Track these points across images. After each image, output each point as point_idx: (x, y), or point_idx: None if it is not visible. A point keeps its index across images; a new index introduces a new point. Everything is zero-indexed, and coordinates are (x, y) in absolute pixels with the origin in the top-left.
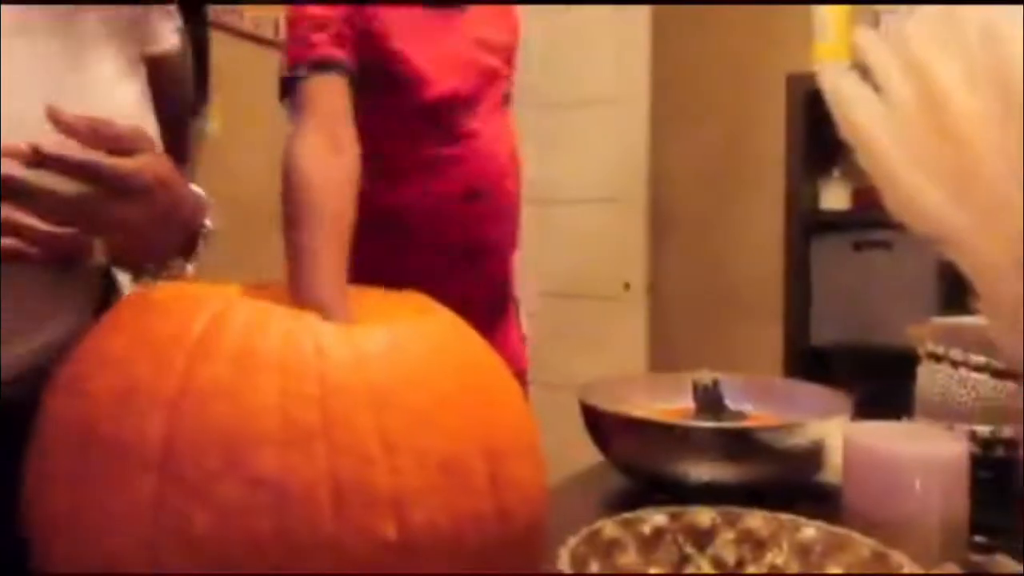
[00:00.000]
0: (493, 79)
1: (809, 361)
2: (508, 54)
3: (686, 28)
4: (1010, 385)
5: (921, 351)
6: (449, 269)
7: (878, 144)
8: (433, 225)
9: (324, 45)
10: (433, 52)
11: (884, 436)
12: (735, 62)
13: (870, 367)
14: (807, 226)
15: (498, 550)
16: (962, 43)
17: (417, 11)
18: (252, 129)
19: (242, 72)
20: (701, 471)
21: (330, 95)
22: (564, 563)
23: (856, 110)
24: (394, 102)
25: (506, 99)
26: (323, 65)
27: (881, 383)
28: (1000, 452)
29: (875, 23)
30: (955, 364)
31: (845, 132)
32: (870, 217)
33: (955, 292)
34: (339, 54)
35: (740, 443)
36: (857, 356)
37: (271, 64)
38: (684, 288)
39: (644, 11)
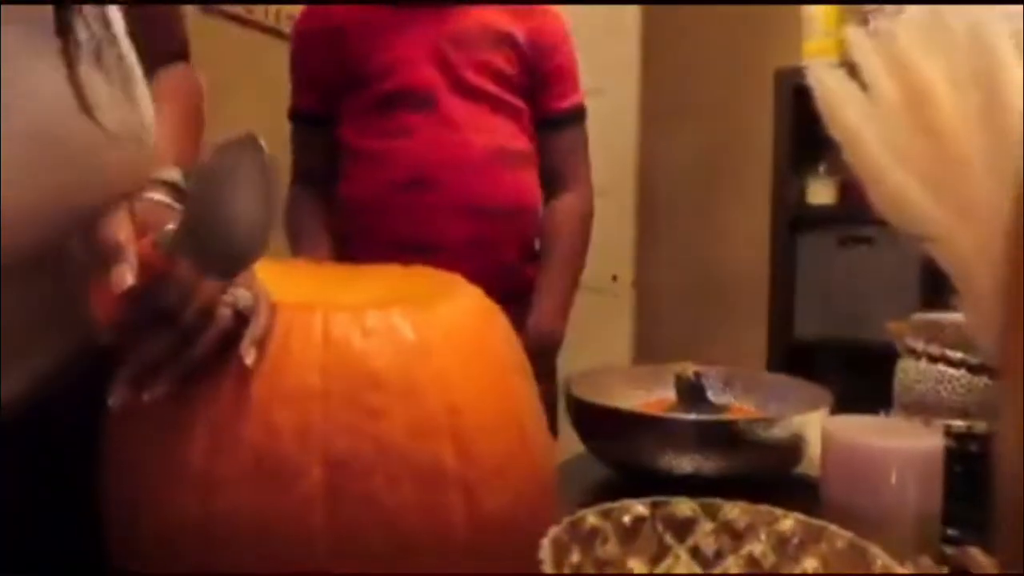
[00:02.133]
0: (468, 72)
1: (793, 355)
2: (510, 47)
3: (677, 23)
4: (986, 381)
5: (900, 347)
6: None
7: (863, 141)
8: (379, 217)
9: (298, 92)
10: (394, 46)
11: (862, 430)
12: (724, 58)
13: (853, 362)
14: (793, 221)
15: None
16: (948, 44)
17: (384, 11)
18: (227, 108)
19: (219, 48)
20: (682, 462)
21: (299, 145)
22: (546, 552)
23: (843, 107)
24: (354, 97)
25: (489, 95)
26: (296, 116)
27: (864, 378)
28: (974, 447)
29: (864, 21)
30: (933, 359)
31: (831, 128)
32: (855, 213)
33: (936, 289)
34: (309, 101)
35: (720, 435)
36: (840, 351)
37: (246, 39)
38: (670, 281)
39: (634, 6)
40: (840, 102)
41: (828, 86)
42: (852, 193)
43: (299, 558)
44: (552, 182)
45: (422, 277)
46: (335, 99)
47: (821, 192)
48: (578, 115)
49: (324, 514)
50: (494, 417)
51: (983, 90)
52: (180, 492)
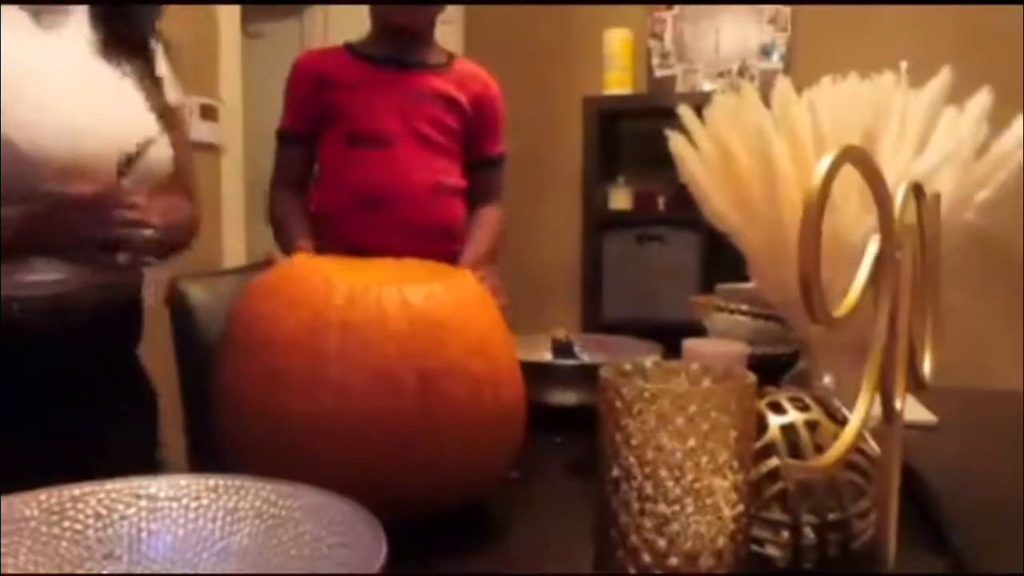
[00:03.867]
0: (421, 124)
1: (604, 333)
2: (455, 108)
3: (494, 53)
4: (769, 323)
5: (704, 311)
6: None
7: (703, 184)
8: (338, 227)
9: (289, 116)
10: (368, 99)
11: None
12: (537, 86)
13: (652, 337)
14: (599, 222)
15: None
16: (745, 121)
17: (365, 70)
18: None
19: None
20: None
21: (285, 158)
22: None
23: (689, 162)
24: (332, 129)
25: (435, 142)
26: (284, 136)
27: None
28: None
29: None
30: (731, 311)
31: (683, 175)
32: (648, 216)
33: (709, 275)
34: (298, 125)
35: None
36: (642, 328)
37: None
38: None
39: (459, 34)
40: (688, 160)
41: (682, 149)
42: (644, 200)
43: (400, 437)
44: (478, 200)
45: (420, 264)
46: (317, 127)
47: (620, 199)
48: (502, 159)
49: (417, 405)
50: (502, 341)
51: (761, 154)
52: (320, 398)
